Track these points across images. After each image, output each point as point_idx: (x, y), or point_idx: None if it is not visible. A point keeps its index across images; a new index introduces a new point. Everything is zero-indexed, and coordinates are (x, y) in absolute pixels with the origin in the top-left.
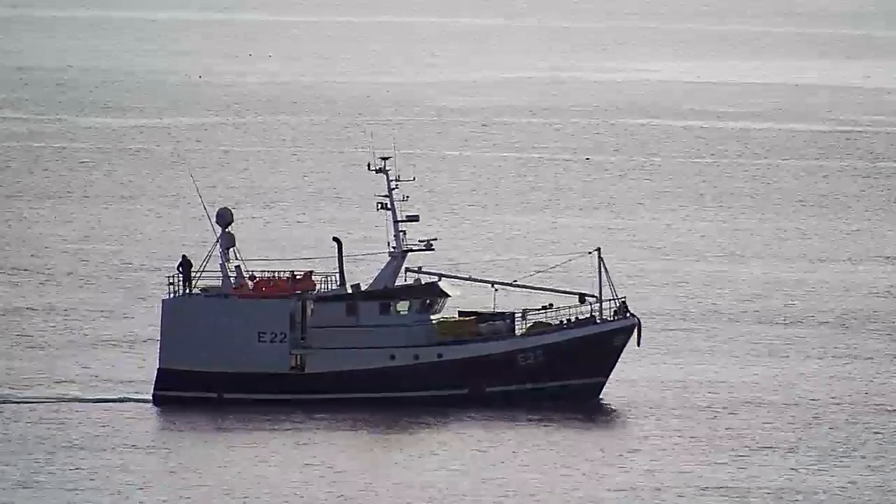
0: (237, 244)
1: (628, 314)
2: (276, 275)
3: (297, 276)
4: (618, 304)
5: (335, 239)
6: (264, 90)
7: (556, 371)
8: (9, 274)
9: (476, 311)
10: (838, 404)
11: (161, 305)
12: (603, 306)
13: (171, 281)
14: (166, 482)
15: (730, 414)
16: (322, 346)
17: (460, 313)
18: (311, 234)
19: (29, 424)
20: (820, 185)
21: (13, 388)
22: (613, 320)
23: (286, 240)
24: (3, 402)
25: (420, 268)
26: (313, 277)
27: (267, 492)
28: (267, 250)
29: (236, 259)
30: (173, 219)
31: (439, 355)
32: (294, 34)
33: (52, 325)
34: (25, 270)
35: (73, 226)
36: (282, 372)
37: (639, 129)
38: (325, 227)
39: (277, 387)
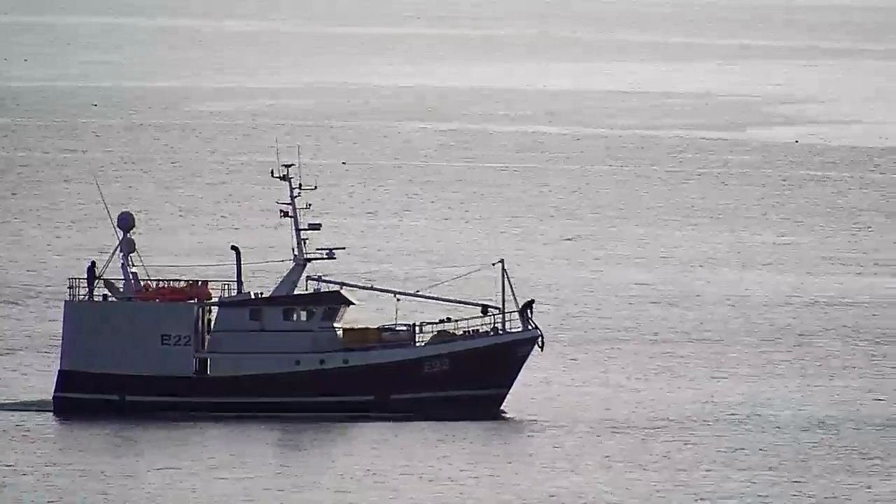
0: (137, 250)
1: (531, 324)
2: (170, 283)
3: (189, 284)
4: (521, 307)
5: (233, 247)
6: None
7: (461, 380)
8: None
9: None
10: (767, 420)
11: (63, 308)
12: (506, 318)
13: (71, 284)
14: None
15: (633, 428)
16: (225, 351)
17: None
18: (211, 241)
19: None
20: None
21: None
22: (518, 331)
23: (187, 247)
24: None
25: (320, 276)
26: (210, 286)
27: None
28: (168, 257)
29: (133, 266)
30: (80, 226)
31: (345, 361)
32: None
33: None
34: None
35: None
36: (185, 375)
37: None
38: (225, 234)
39: (181, 390)
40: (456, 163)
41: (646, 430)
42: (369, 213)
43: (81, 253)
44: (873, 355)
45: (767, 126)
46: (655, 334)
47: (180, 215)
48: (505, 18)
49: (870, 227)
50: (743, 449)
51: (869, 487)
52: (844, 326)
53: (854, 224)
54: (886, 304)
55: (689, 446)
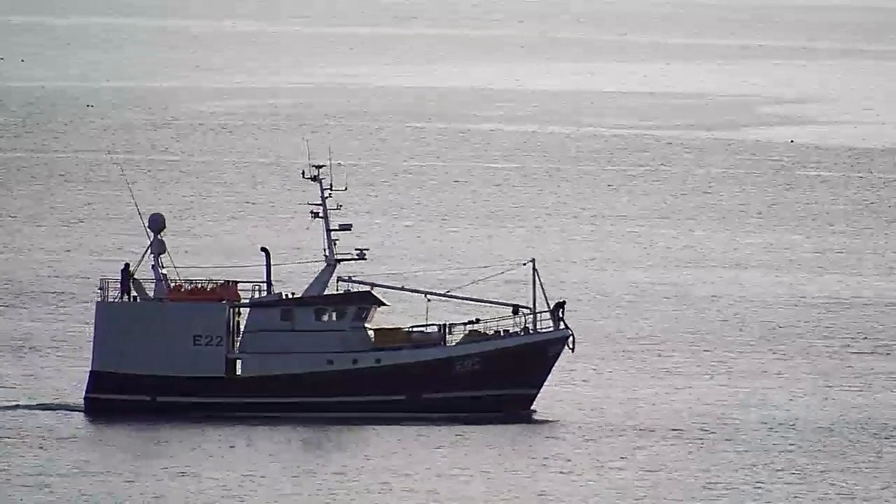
0: (168, 252)
1: (562, 325)
2: (202, 284)
3: (220, 285)
4: (553, 307)
5: (263, 249)
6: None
7: (492, 380)
8: None
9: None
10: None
11: (95, 309)
12: (537, 318)
13: (101, 285)
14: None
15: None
16: (256, 351)
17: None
18: (241, 243)
19: None
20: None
21: None
22: (548, 331)
23: (217, 249)
24: None
25: (350, 277)
26: (239, 287)
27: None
28: (199, 259)
29: (163, 267)
30: (114, 229)
31: (377, 361)
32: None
33: None
34: None
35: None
36: (217, 375)
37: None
38: (256, 236)
39: (212, 390)
40: (483, 163)
41: (674, 434)
42: (396, 214)
43: (112, 254)
44: None
45: (765, 125)
46: (685, 336)
47: (209, 216)
48: (510, 19)
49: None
50: (783, 452)
51: None
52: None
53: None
54: None
55: (723, 451)
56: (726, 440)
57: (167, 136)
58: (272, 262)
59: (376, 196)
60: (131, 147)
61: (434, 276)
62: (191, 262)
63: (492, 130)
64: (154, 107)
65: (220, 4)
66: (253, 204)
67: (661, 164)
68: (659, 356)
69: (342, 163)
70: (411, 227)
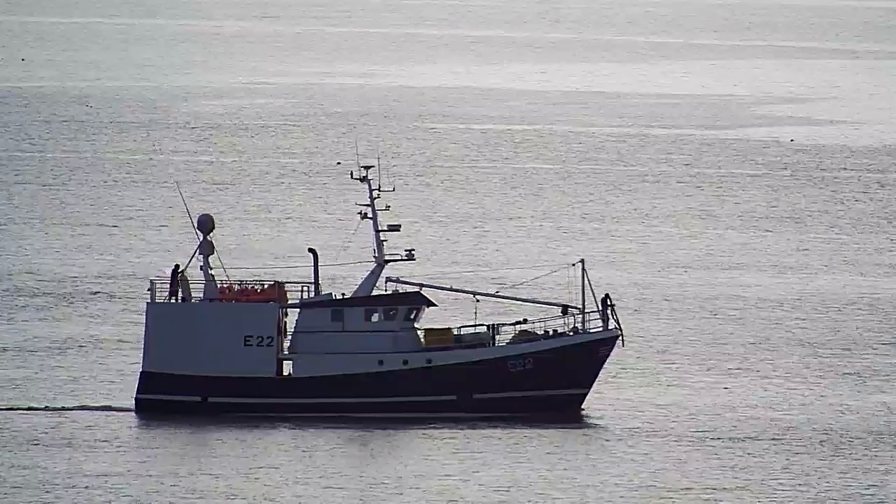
0: (217, 252)
1: (612, 320)
2: (252, 285)
3: (267, 286)
4: (600, 301)
5: (311, 250)
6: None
7: (544, 380)
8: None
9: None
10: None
11: (146, 309)
12: (586, 318)
13: (151, 286)
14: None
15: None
16: (307, 352)
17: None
18: (289, 244)
19: (11, 429)
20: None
21: None
22: (599, 331)
23: (266, 249)
24: None
25: (399, 278)
26: (286, 288)
27: (253, 495)
28: (247, 260)
29: (212, 268)
30: (162, 230)
31: (429, 361)
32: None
33: (37, 332)
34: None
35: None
36: (268, 376)
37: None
38: (303, 236)
39: (263, 391)
40: (526, 164)
41: (720, 437)
42: (445, 214)
43: (162, 255)
44: None
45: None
46: (729, 337)
47: (257, 217)
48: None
49: None
50: (831, 455)
51: None
52: None
53: None
54: None
55: (769, 454)
56: (771, 443)
57: (210, 136)
58: (320, 263)
59: (424, 197)
60: (174, 147)
61: (482, 277)
62: (239, 263)
63: (538, 130)
64: (193, 106)
65: (240, 4)
66: (300, 205)
67: (705, 167)
68: (707, 358)
69: (376, 161)
70: (459, 228)
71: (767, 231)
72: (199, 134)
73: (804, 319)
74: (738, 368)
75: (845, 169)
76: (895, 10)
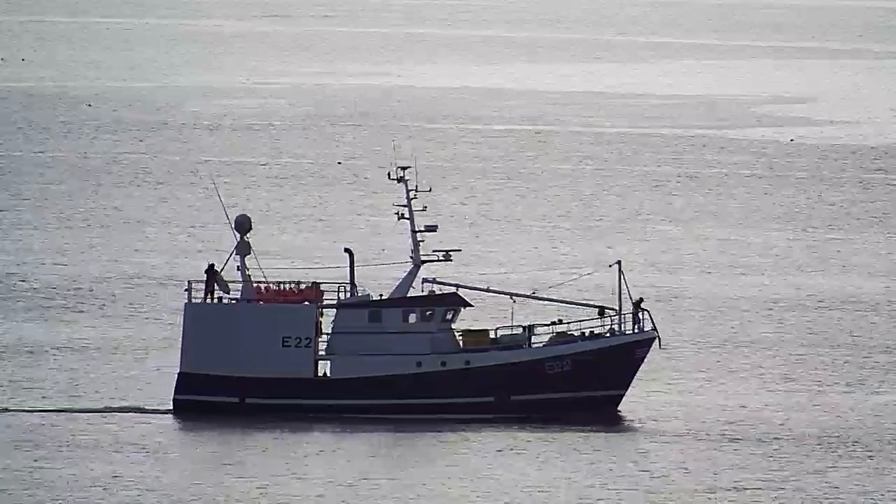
0: (254, 253)
1: (644, 320)
2: (285, 286)
3: (304, 287)
4: (633, 304)
5: (347, 250)
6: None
7: (582, 381)
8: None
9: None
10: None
11: (183, 310)
12: (623, 319)
13: (188, 287)
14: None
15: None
16: (345, 353)
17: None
18: (324, 244)
19: (48, 433)
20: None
21: (25, 398)
22: (637, 332)
23: (302, 250)
24: (20, 412)
25: (435, 279)
26: (323, 288)
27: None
28: (284, 260)
29: (248, 269)
30: (194, 230)
31: (467, 362)
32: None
33: (74, 334)
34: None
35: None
36: (306, 377)
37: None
38: (338, 236)
39: (301, 392)
40: (561, 165)
41: (756, 440)
42: (480, 214)
43: (198, 255)
44: None
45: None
46: (766, 339)
47: (291, 217)
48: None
49: None
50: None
51: None
52: None
53: None
54: None
55: (804, 456)
56: (809, 446)
57: (244, 136)
58: (356, 263)
59: (462, 197)
60: (207, 148)
61: (518, 278)
62: (275, 264)
63: (573, 132)
64: (225, 106)
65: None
66: (334, 204)
67: (741, 168)
68: (741, 359)
69: (412, 161)
70: (495, 229)
71: (807, 231)
72: (227, 135)
73: (842, 320)
74: (772, 369)
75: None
76: (895, 9)
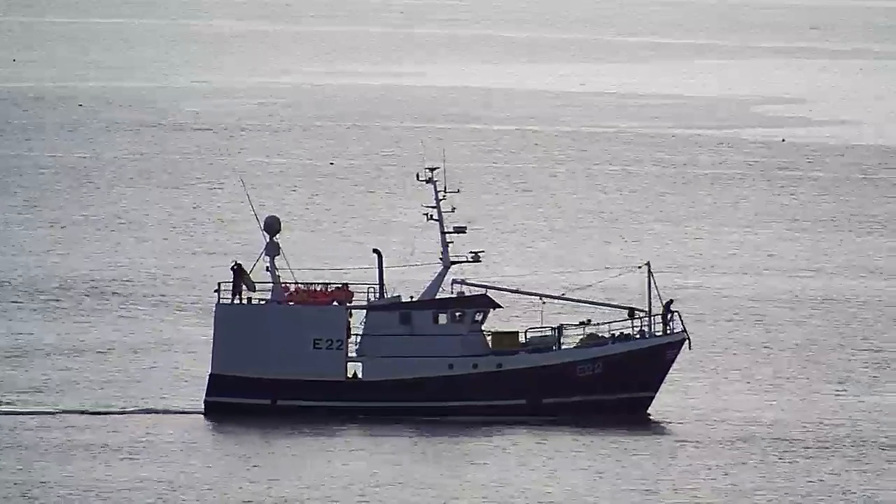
0: (283, 254)
1: (673, 322)
2: (320, 287)
3: (335, 288)
4: (664, 306)
5: (375, 251)
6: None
7: (613, 383)
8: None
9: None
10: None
11: (214, 311)
12: (653, 321)
13: (217, 288)
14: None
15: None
16: (376, 355)
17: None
18: (353, 245)
19: (79, 433)
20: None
21: (58, 397)
22: (667, 334)
23: (331, 250)
24: (47, 413)
25: (464, 280)
26: (351, 288)
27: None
28: (313, 261)
29: (277, 270)
30: (229, 232)
31: (499, 365)
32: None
33: (104, 334)
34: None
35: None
36: (338, 379)
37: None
38: (367, 238)
39: (333, 394)
40: (589, 165)
41: (784, 443)
42: (508, 216)
43: (229, 257)
44: None
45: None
46: (794, 342)
47: (321, 218)
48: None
49: None
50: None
51: None
52: None
53: None
54: None
55: (834, 461)
56: (837, 450)
57: (272, 138)
58: (384, 265)
59: (492, 199)
60: (231, 149)
61: (547, 279)
62: (302, 265)
63: (599, 132)
64: (246, 107)
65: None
66: (361, 206)
67: (777, 168)
68: (768, 363)
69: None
70: (524, 230)
71: (841, 232)
72: (248, 135)
73: (871, 322)
74: (799, 371)
75: None
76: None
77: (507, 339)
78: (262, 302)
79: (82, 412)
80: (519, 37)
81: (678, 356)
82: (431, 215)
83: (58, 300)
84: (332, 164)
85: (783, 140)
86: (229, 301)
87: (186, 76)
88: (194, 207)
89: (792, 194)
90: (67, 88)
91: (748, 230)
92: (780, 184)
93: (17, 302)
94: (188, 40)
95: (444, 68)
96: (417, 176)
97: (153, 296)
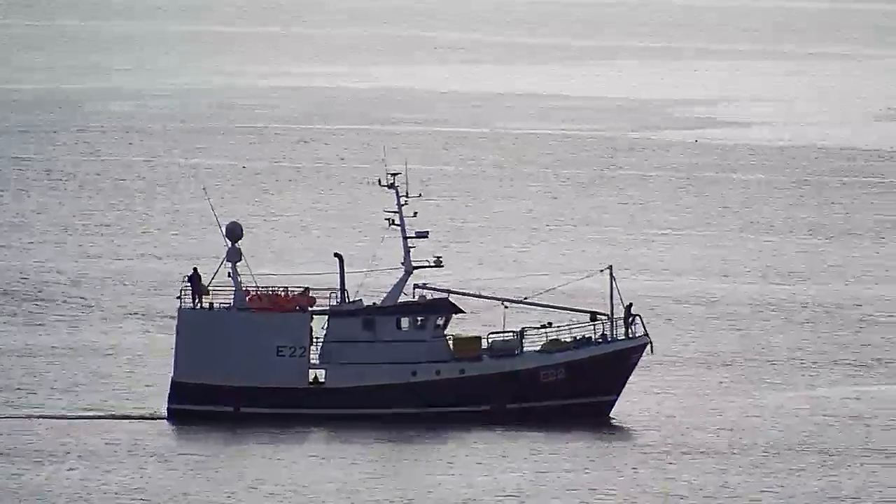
0: (245, 259)
1: (635, 325)
2: (275, 292)
3: (299, 294)
4: (625, 309)
5: (336, 255)
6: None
7: (576, 388)
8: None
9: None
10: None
11: (177, 318)
12: (615, 324)
13: (180, 294)
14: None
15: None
16: (339, 361)
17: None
18: (313, 249)
19: (40, 440)
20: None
21: (21, 403)
22: (630, 338)
23: (290, 255)
24: (15, 418)
25: (426, 284)
26: (312, 294)
27: None
28: (273, 266)
29: (239, 275)
30: (184, 234)
31: (461, 371)
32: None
33: (61, 337)
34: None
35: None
36: (301, 386)
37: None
38: (328, 242)
39: (296, 401)
40: (556, 169)
41: (741, 451)
42: (470, 221)
43: (187, 263)
44: None
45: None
46: (758, 349)
47: (280, 223)
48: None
49: None
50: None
51: None
52: None
53: None
54: None
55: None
56: (799, 454)
57: (234, 141)
58: (346, 269)
59: (451, 202)
60: (197, 154)
61: (509, 283)
62: (263, 270)
63: (563, 135)
64: (214, 111)
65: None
66: (324, 210)
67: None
68: (733, 366)
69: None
70: (484, 235)
71: (804, 237)
72: (216, 139)
73: (839, 327)
74: (765, 376)
75: None
76: (889, 12)
77: (468, 344)
78: (223, 307)
79: (41, 417)
80: (485, 39)
81: (640, 360)
82: (393, 220)
83: (23, 303)
84: (244, 167)
85: (695, 141)
86: (191, 306)
87: (176, 75)
88: (151, 212)
89: (746, 196)
90: (56, 88)
91: (721, 234)
92: (729, 186)
93: None
94: (187, 40)
95: (392, 70)
96: (379, 181)
97: (114, 298)
